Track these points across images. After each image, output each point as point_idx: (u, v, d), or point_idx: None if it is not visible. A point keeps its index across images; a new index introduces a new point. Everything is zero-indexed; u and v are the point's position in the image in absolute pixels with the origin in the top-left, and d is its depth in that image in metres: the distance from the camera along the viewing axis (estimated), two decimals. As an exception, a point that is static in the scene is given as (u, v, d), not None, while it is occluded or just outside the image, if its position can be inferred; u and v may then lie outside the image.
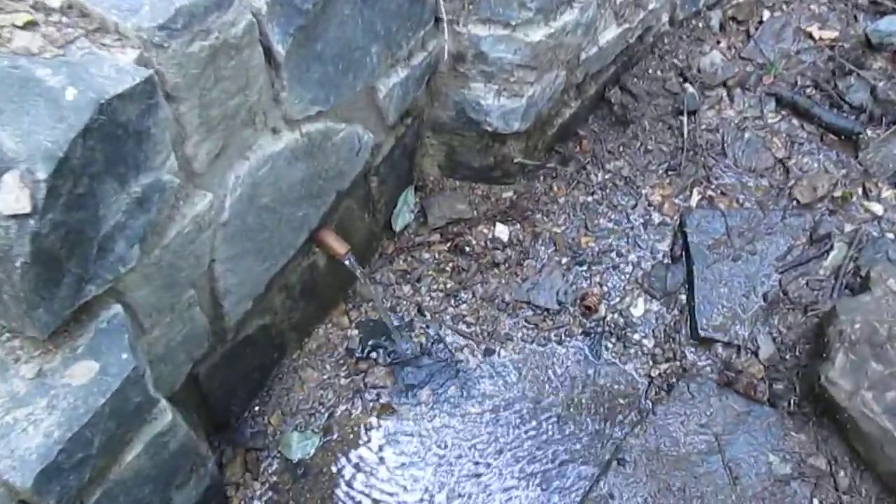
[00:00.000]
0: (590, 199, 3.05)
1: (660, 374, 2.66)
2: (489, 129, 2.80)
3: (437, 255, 2.92)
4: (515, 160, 2.96)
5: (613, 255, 2.93)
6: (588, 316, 2.79)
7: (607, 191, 3.06)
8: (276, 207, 2.11)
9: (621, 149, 3.14)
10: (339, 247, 2.42)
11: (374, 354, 2.70)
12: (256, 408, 2.56)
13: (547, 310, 2.80)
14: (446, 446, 2.52)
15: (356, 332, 2.75)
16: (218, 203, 1.88)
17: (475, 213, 3.00)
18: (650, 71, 3.19)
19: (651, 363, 2.69)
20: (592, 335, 2.76)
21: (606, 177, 3.09)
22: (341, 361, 2.68)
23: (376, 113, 2.46)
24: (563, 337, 2.76)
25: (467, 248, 2.92)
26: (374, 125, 2.47)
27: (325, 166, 2.26)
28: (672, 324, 2.75)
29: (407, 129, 2.74)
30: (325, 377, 2.64)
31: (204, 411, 2.34)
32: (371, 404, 2.59)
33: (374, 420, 2.55)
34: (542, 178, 3.11)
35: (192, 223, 1.78)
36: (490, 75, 2.65)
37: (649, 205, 3.02)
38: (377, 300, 2.73)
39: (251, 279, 2.16)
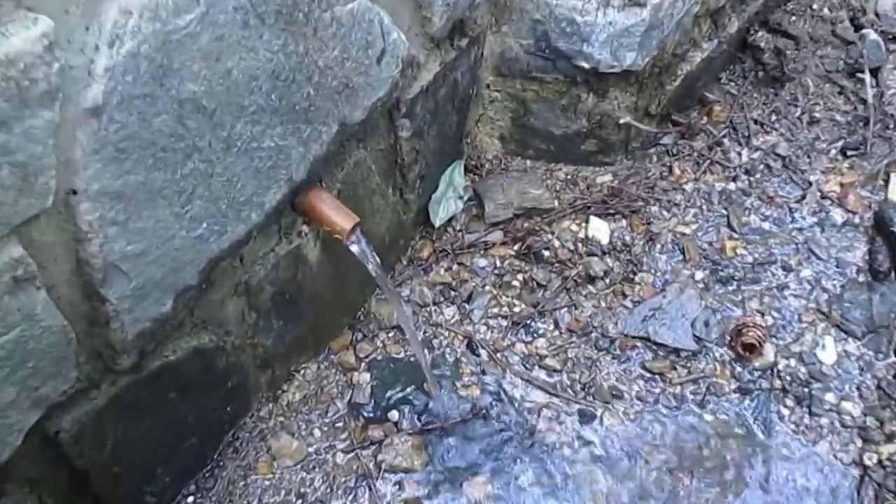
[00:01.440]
0: (732, 186, 2.02)
1: (880, 463, 1.57)
2: (585, 65, 1.82)
3: (498, 263, 1.90)
4: (621, 121, 1.94)
5: (777, 268, 1.87)
6: (746, 362, 1.71)
7: (757, 176, 2.03)
8: (217, 111, 1.10)
9: (773, 118, 2.13)
10: (340, 218, 1.39)
11: (394, 414, 1.67)
12: (190, 499, 1.49)
13: (677, 351, 1.74)
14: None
15: (367, 376, 1.72)
16: (80, 61, 0.88)
17: (557, 202, 1.97)
18: (813, 6, 2.20)
19: (861, 443, 1.60)
20: (755, 394, 1.67)
21: (754, 156, 2.07)
22: (340, 424, 1.65)
23: (414, 4, 1.48)
24: (705, 395, 1.68)
25: (546, 253, 1.89)
26: (409, 25, 1.49)
27: (319, 60, 1.26)
28: (891, 377, 1.66)
29: (460, 56, 1.75)
30: (311, 450, 1.62)
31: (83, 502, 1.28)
32: (387, 500, 1.51)
33: (391, 528, 1.49)
34: (654, 157, 2.10)
35: (2, 82, 0.79)
36: (594, -31, 1.68)
37: (823, 197, 1.99)
38: (405, 325, 1.68)
39: (168, 252, 1.13)
